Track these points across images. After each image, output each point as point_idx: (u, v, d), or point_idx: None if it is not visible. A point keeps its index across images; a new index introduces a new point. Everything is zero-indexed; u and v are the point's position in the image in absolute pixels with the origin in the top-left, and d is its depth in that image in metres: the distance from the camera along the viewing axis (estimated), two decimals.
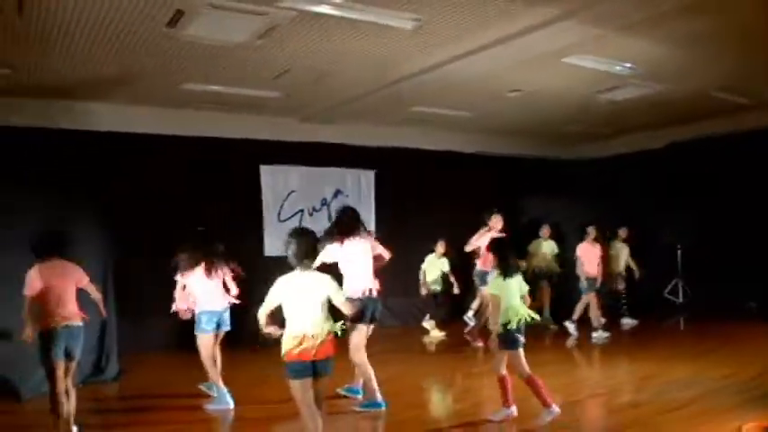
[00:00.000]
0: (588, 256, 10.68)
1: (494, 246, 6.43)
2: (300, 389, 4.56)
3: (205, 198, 10.28)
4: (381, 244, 7.18)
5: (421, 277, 11.49)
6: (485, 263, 9.54)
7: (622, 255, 11.88)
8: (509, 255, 6.07)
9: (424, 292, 11.49)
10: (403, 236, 11.84)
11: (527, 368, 5.84)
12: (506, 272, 5.97)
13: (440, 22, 6.76)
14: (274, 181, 11.13)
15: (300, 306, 4.60)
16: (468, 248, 9.99)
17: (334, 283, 4.78)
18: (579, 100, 10.30)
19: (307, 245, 4.73)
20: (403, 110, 10.77)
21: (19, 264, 7.25)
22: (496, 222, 9.81)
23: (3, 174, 8.34)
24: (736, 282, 11.59)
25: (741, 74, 9.06)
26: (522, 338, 5.90)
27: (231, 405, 6.68)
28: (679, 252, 12.75)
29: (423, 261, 11.58)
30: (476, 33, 7.09)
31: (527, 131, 13.14)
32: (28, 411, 6.71)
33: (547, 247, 11.93)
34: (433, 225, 12.01)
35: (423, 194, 12.31)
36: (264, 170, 11.04)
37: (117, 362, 8.33)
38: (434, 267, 11.42)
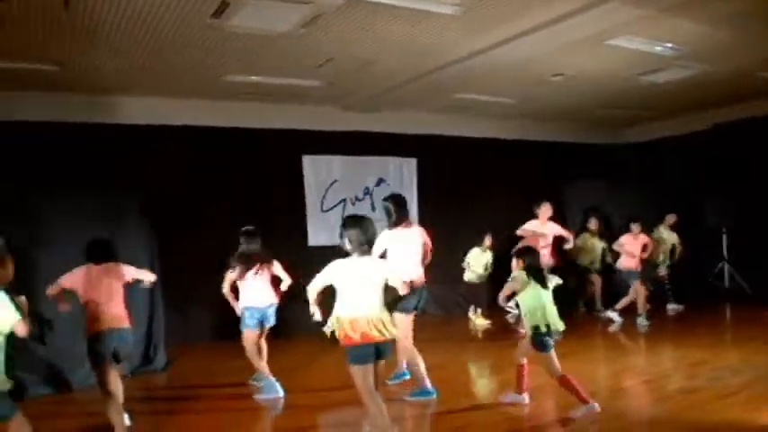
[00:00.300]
0: (628, 249, 10.58)
1: (521, 253, 6.24)
2: (362, 375, 4.57)
3: (248, 189, 10.36)
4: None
5: (465, 267, 11.46)
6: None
7: (668, 241, 11.70)
8: (534, 265, 5.99)
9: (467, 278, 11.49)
10: (445, 224, 11.85)
11: (558, 368, 5.77)
12: (534, 278, 5.92)
13: (482, 7, 6.70)
14: (317, 171, 11.11)
15: (359, 289, 4.62)
16: (518, 232, 10.05)
17: (388, 265, 4.78)
18: (622, 83, 10.17)
19: (366, 231, 4.75)
20: (445, 97, 10.71)
21: (66, 262, 7.44)
22: (545, 212, 10.02)
23: (49, 170, 8.51)
24: None
25: None
26: (551, 342, 5.82)
27: (281, 393, 6.73)
28: (724, 236, 12.50)
29: (466, 249, 11.55)
30: (519, 17, 7.02)
31: (569, 116, 13.03)
32: (80, 400, 6.86)
33: (595, 243, 11.69)
34: (476, 212, 12.07)
35: (464, 182, 12.24)
36: (307, 160, 11.02)
37: (165, 352, 8.45)
38: (480, 260, 11.32)
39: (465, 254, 11.44)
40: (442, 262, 11.78)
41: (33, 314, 5.08)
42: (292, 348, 8.94)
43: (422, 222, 11.56)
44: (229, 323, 9.74)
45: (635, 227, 10.69)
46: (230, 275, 7.12)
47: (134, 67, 8.23)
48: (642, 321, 10.23)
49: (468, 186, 12.26)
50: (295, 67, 8.59)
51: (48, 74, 8.23)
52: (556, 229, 10.08)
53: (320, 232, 10.99)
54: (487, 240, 11.31)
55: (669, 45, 8.33)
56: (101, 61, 7.94)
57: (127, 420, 5.67)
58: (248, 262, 7.00)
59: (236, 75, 8.85)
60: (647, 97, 11.25)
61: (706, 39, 8.06)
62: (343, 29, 7.18)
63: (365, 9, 6.60)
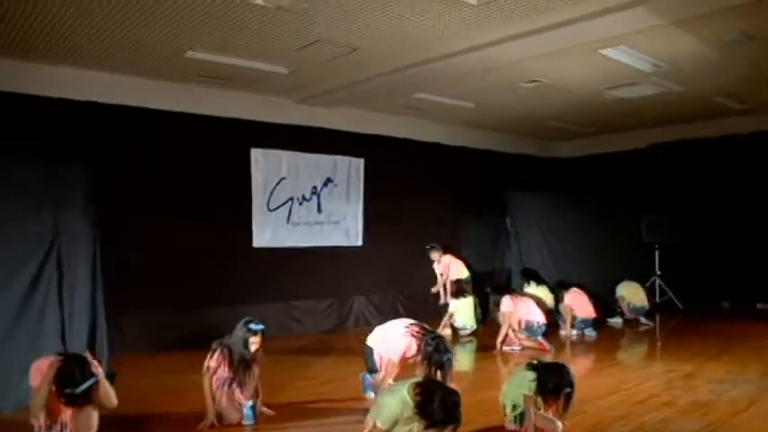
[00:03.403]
0: (578, 304, 10.44)
1: None
2: None
3: (193, 180, 9.48)
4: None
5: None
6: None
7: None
8: None
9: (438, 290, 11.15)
10: (389, 227, 11.50)
11: None
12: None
13: (503, 2, 6.39)
14: (266, 166, 10.25)
15: None
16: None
17: None
18: (586, 96, 10.24)
19: None
20: (405, 96, 10.27)
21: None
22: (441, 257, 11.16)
23: None
24: (712, 280, 12.11)
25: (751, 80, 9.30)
26: None
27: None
28: (657, 252, 12.92)
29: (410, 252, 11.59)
30: (527, 17, 6.79)
31: (515, 127, 13.09)
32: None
33: (541, 293, 11.03)
34: (421, 217, 11.89)
35: (410, 185, 11.87)
36: (256, 153, 10.15)
37: (108, 364, 7.32)
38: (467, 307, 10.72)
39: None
40: (386, 267, 11.48)
41: None
42: None
43: (366, 225, 11.28)
44: (181, 330, 9.02)
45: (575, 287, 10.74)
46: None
47: (72, 34, 7.17)
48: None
49: (413, 190, 11.89)
50: (275, 47, 7.76)
51: None
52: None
53: (265, 233, 10.21)
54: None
55: (654, 60, 8.40)
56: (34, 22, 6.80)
57: None
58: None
59: (203, 52, 7.89)
60: (600, 112, 11.44)
61: (695, 58, 8.27)
62: (347, 7, 6.52)
63: None
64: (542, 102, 10.57)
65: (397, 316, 10.80)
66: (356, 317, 11.23)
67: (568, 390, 5.28)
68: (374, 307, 11.38)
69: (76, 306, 7.02)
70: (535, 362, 5.58)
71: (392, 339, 6.31)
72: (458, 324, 10.51)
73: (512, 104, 10.86)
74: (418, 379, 4.89)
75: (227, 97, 9.72)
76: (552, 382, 5.28)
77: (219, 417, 5.78)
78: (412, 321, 6.45)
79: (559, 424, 5.35)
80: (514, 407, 5.48)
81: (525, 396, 5.33)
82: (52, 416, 4.73)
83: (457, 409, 4.54)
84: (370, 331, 6.84)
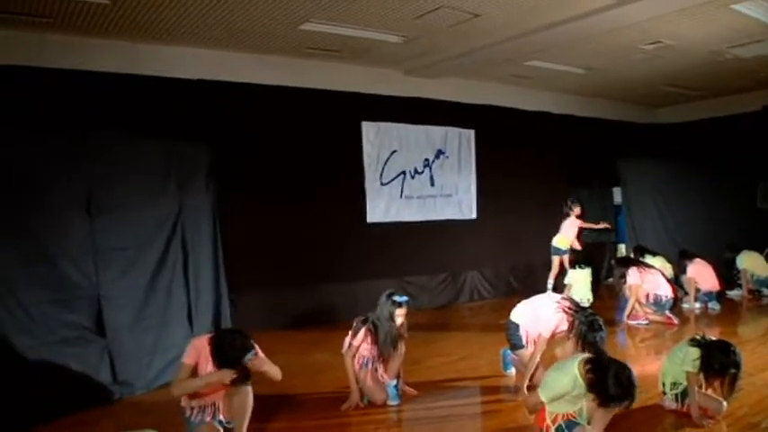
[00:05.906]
0: (702, 276, 9.97)
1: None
2: None
3: (304, 154, 9.38)
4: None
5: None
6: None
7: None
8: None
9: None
10: (502, 200, 11.23)
11: None
12: None
13: None
14: (378, 139, 10.07)
15: None
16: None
17: None
18: (705, 56, 9.65)
19: None
20: (518, 64, 9.92)
21: (125, 223, 6.32)
22: (577, 210, 10.72)
23: (108, 124, 7.36)
24: None
25: None
26: None
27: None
28: None
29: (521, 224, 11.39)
30: None
31: (621, 93, 12.60)
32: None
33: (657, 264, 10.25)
34: (531, 188, 11.58)
35: (520, 156, 11.56)
36: (366, 127, 9.97)
37: None
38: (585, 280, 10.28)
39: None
40: (496, 241, 11.23)
41: None
42: None
43: (480, 198, 11.02)
44: (296, 308, 9.01)
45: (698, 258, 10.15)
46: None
47: (184, 12, 7.12)
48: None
49: (523, 161, 11.58)
50: (394, 15, 7.51)
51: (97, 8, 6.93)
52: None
53: (378, 207, 10.08)
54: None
55: None
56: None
57: None
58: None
59: (319, 23, 7.69)
60: (715, 73, 10.82)
61: None
62: None
63: None
64: (655, 64, 10.07)
65: (509, 290, 10.89)
66: (470, 291, 11.05)
67: (734, 370, 4.97)
68: (487, 281, 11.22)
69: (201, 285, 7.02)
70: (699, 338, 5.27)
71: (543, 315, 5.97)
72: (575, 297, 10.08)
73: (623, 69, 10.42)
74: (587, 355, 4.67)
75: (336, 70, 9.57)
76: (718, 362, 4.98)
77: (362, 397, 5.71)
78: (561, 296, 6.19)
79: (724, 403, 5.08)
80: (674, 384, 5.26)
81: (689, 373, 5.08)
82: (202, 398, 4.63)
83: (632, 386, 4.32)
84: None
